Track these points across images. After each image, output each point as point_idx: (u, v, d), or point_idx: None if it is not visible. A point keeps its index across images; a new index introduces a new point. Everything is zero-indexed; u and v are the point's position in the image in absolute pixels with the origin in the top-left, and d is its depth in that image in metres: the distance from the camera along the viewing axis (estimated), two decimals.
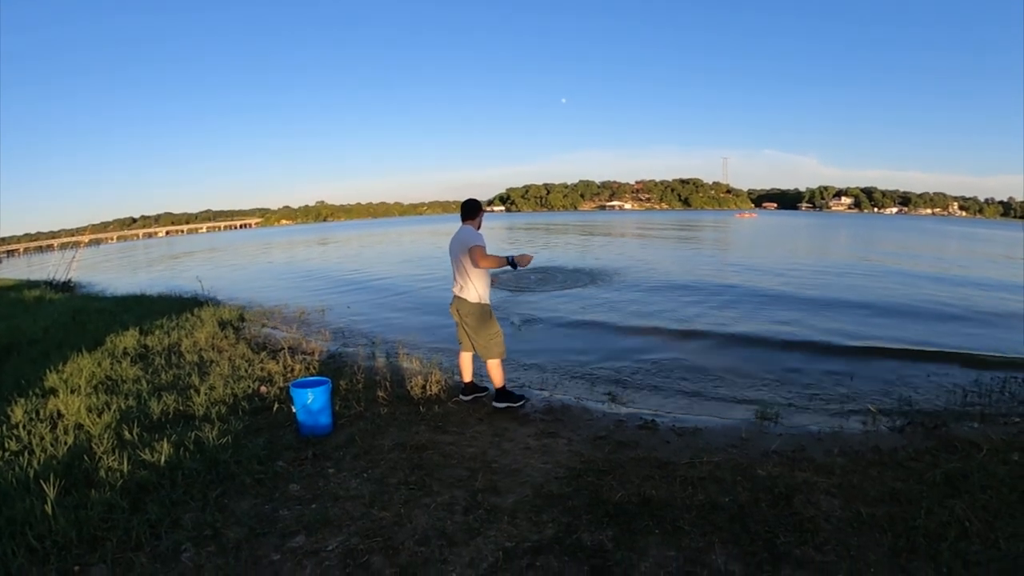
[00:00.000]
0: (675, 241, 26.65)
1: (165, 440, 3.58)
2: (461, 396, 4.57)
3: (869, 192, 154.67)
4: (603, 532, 2.61)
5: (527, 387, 5.04)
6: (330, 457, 3.66)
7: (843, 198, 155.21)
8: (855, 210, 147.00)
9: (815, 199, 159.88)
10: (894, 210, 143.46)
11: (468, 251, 4.05)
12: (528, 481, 3.20)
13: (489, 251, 4.08)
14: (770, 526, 2.58)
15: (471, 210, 4.28)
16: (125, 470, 3.23)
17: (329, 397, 4.07)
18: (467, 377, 4.57)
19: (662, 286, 11.00)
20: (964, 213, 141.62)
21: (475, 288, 4.13)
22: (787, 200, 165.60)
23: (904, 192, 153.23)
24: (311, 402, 3.93)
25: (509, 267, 4.11)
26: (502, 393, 4.37)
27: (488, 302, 4.22)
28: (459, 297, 4.21)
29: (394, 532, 2.73)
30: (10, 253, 75.97)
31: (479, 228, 4.28)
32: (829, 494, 2.87)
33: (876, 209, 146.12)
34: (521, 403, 4.38)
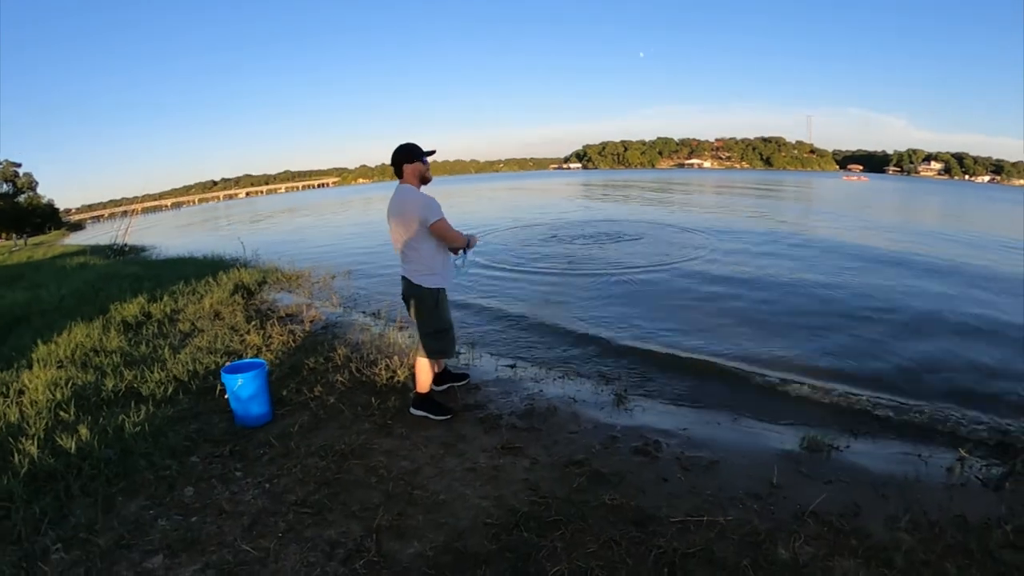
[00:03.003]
0: (771, 214, 19.93)
1: (83, 425, 3.31)
2: (433, 386, 3.80)
3: (960, 158, 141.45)
4: None
5: (521, 379, 4.15)
6: (246, 456, 3.12)
7: (932, 163, 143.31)
8: (945, 176, 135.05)
9: (903, 163, 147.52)
10: (986, 179, 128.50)
11: (420, 227, 3.12)
12: (447, 523, 2.39)
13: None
14: None
15: (405, 157, 3.19)
16: (35, 456, 3.00)
17: (264, 383, 3.49)
18: (437, 366, 3.79)
19: (750, 273, 8.48)
20: None
21: (424, 268, 3.21)
22: (874, 163, 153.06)
23: (997, 160, 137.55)
24: (239, 388, 3.35)
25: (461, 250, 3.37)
26: (422, 399, 3.47)
27: (440, 286, 3.28)
28: (405, 278, 3.30)
29: (253, 572, 2.18)
30: (96, 219, 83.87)
31: (422, 186, 3.26)
32: None
33: (967, 176, 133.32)
34: (444, 418, 3.42)
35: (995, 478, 2.78)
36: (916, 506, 2.47)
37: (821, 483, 2.67)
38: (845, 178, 72.55)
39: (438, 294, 3.28)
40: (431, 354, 3.36)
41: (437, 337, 3.32)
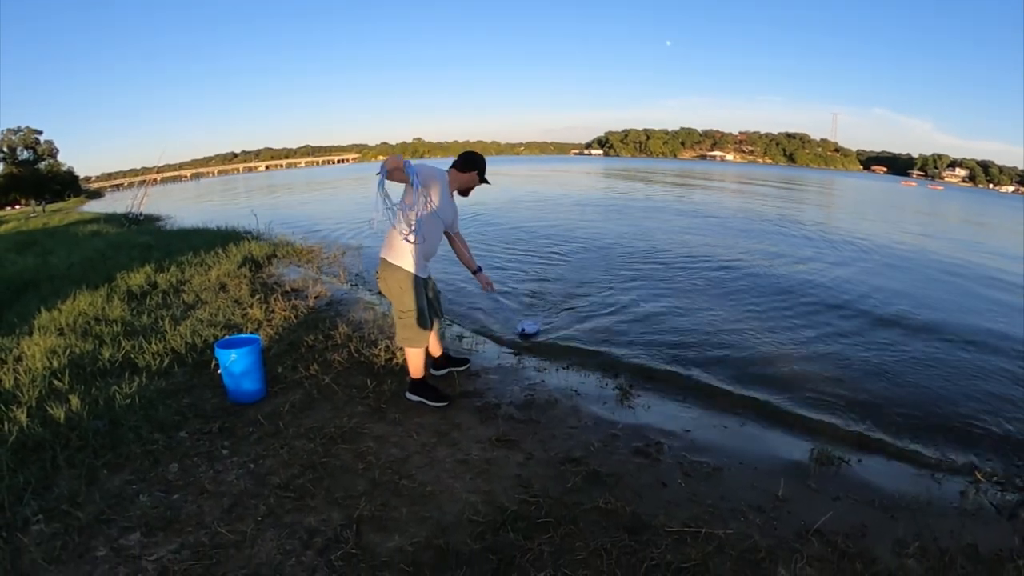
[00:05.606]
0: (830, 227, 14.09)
1: (75, 394, 3.27)
2: (432, 371, 3.71)
3: (985, 166, 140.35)
4: None
5: (524, 367, 4.02)
6: (234, 434, 3.05)
7: (957, 169, 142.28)
8: (969, 184, 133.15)
9: (927, 167, 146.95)
10: (1011, 188, 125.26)
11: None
12: (431, 518, 2.29)
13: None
14: None
15: (471, 163, 3.31)
16: (25, 424, 2.98)
17: (258, 359, 3.41)
18: (436, 350, 3.69)
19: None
20: None
21: (403, 248, 3.07)
22: (898, 166, 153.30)
23: (1023, 170, 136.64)
24: (232, 364, 3.27)
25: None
26: (418, 384, 3.35)
27: (412, 271, 3.11)
28: (383, 259, 3.15)
29: (227, 556, 2.10)
30: (115, 187, 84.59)
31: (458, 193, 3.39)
32: None
33: (992, 185, 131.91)
34: (440, 404, 3.31)
35: (1010, 505, 2.62)
36: (927, 531, 2.32)
37: (829, 499, 2.52)
38: (904, 183, 66.57)
39: (410, 276, 3.10)
40: (404, 340, 3.21)
41: (406, 321, 3.15)
